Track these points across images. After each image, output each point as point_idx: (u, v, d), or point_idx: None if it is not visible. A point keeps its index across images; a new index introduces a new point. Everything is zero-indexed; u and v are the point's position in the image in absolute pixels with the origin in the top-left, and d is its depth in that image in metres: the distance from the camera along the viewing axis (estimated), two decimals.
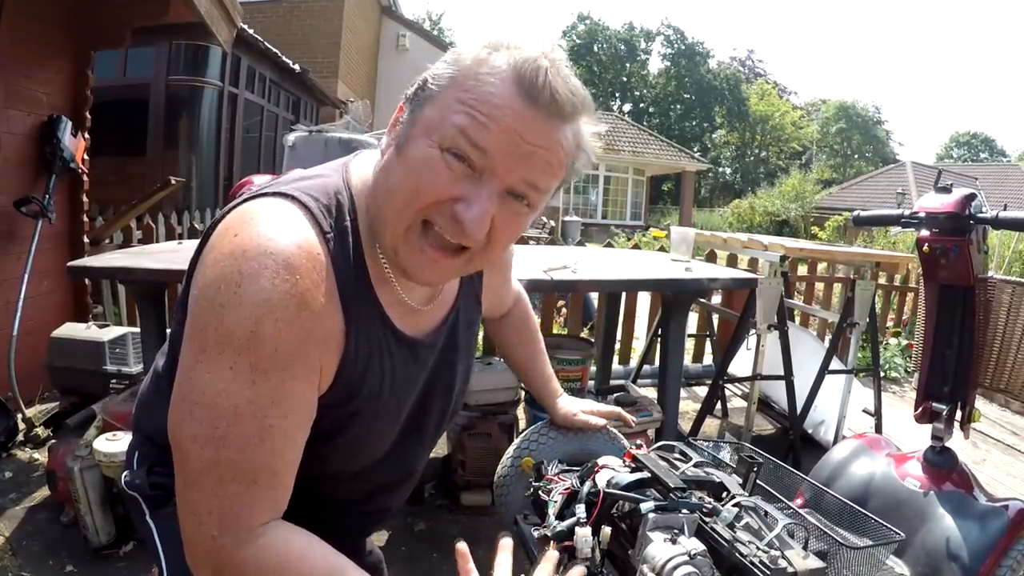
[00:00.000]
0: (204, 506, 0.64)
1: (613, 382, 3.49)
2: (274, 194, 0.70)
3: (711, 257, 4.17)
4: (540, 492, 0.98)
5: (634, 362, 4.14)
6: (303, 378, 0.67)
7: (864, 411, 3.07)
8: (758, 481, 0.99)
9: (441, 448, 2.87)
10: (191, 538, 0.65)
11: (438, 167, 0.65)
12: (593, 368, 3.34)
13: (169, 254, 2.22)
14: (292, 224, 0.66)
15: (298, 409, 0.67)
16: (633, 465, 0.94)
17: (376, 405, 0.76)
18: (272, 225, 0.65)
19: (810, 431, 3.13)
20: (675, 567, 0.72)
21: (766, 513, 0.86)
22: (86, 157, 3.39)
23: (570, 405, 1.16)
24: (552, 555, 0.79)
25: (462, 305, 0.90)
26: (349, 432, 0.76)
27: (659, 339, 3.13)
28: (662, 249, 5.23)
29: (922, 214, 1.65)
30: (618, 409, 1.19)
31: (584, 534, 0.82)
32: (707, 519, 0.83)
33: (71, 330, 2.97)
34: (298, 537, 0.68)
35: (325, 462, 0.75)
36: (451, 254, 0.70)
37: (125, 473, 0.89)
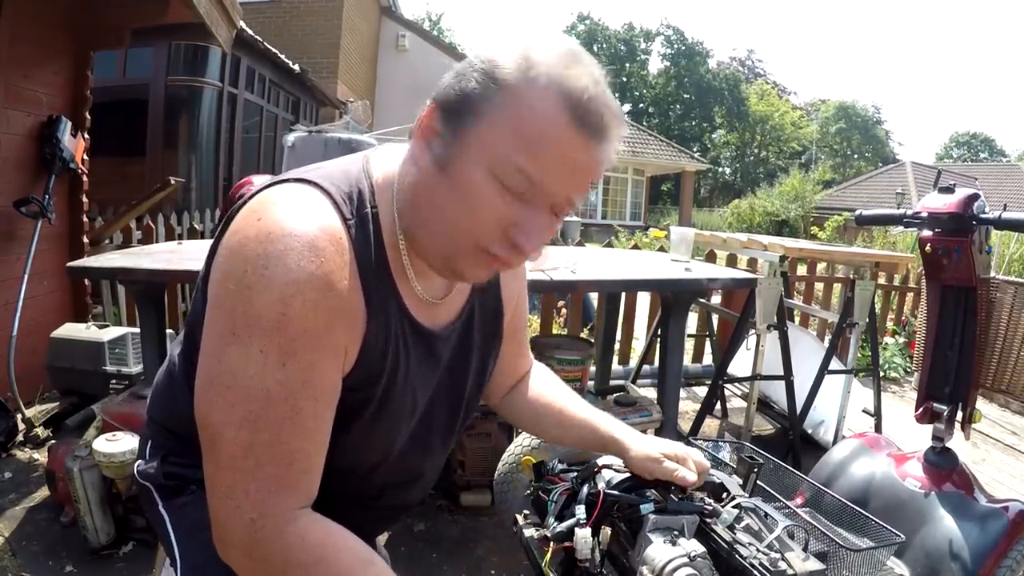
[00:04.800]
0: (241, 489, 0.64)
1: (613, 382, 3.49)
2: (295, 180, 0.72)
3: (711, 257, 4.17)
4: (540, 492, 0.98)
5: (634, 362, 4.14)
6: (330, 359, 0.68)
7: (864, 411, 3.07)
8: (758, 482, 0.99)
9: None
10: (225, 521, 0.66)
11: (494, 200, 0.67)
12: (593, 368, 3.34)
13: (169, 254, 2.22)
14: (315, 209, 0.68)
15: (327, 391, 0.68)
16: None
17: (390, 392, 0.77)
18: (295, 209, 0.67)
19: (810, 431, 3.13)
20: (675, 569, 0.72)
21: (766, 514, 0.86)
22: (86, 157, 3.39)
23: (646, 447, 0.93)
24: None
25: (478, 301, 0.89)
26: (363, 419, 0.76)
27: (659, 339, 3.13)
28: (662, 249, 5.22)
29: (925, 214, 1.65)
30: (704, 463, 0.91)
31: (584, 535, 0.82)
32: (707, 520, 0.83)
33: (71, 330, 2.97)
34: (331, 522, 0.69)
35: (339, 450, 0.75)
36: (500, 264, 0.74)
37: (138, 462, 0.89)
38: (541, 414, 1.03)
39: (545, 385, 1.06)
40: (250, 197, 0.72)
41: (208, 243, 0.77)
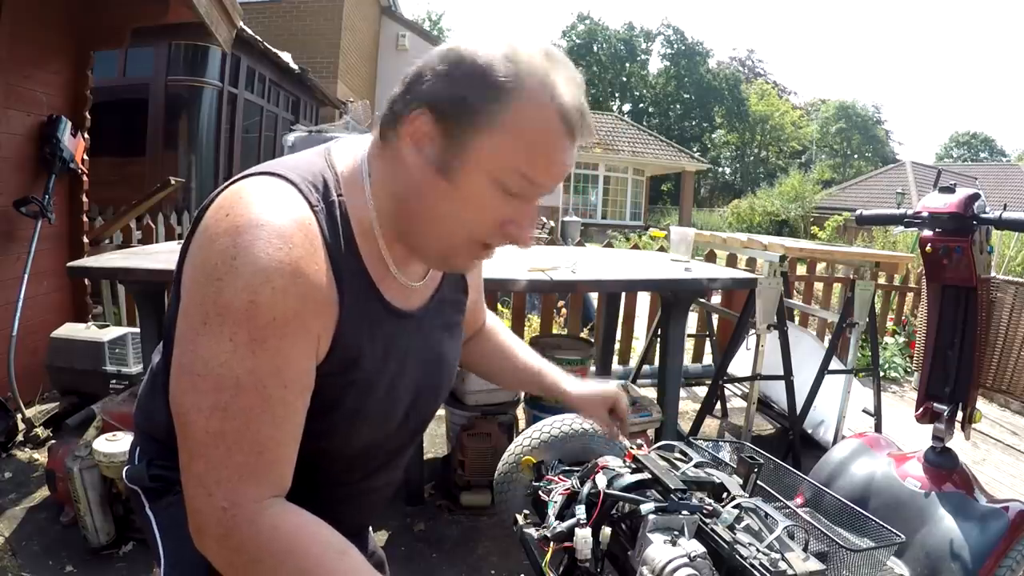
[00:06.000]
0: (212, 477, 0.65)
1: (613, 382, 3.49)
2: (260, 174, 0.73)
3: (711, 257, 4.17)
4: (540, 492, 0.98)
5: (634, 362, 4.14)
6: (302, 346, 0.68)
7: (864, 411, 3.07)
8: (758, 482, 0.99)
9: (441, 448, 2.87)
10: (199, 509, 0.66)
11: (494, 201, 0.72)
12: (593, 368, 3.34)
13: (169, 254, 2.22)
14: (283, 199, 0.69)
15: (298, 379, 0.69)
16: (633, 465, 0.94)
17: (370, 375, 0.77)
18: (263, 201, 0.68)
19: (810, 431, 3.13)
20: (675, 569, 0.72)
21: (766, 515, 0.86)
22: (85, 157, 3.39)
23: (587, 388, 1.13)
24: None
25: (446, 283, 0.92)
26: (346, 404, 0.76)
27: (659, 339, 3.13)
28: (661, 249, 5.22)
29: (925, 214, 1.65)
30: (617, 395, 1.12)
31: (584, 535, 0.82)
32: (707, 520, 0.83)
33: (71, 330, 2.97)
34: (305, 512, 0.69)
35: (324, 437, 0.76)
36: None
37: (126, 468, 0.90)
38: (497, 360, 1.15)
39: (502, 336, 1.16)
40: (216, 195, 0.72)
41: None
